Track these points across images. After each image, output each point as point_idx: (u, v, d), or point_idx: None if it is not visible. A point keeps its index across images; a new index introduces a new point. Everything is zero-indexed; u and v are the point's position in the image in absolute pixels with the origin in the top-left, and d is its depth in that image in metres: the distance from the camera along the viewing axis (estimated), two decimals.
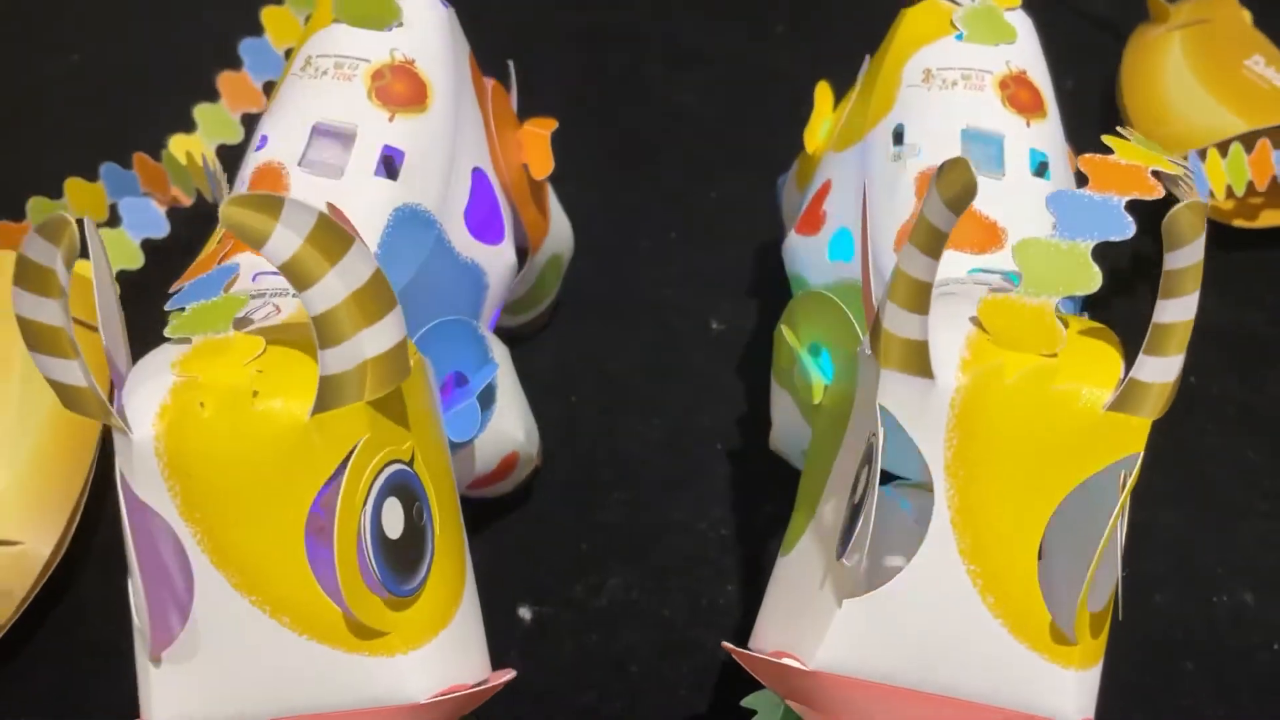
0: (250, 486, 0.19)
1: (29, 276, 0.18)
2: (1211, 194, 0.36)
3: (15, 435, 0.30)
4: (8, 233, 0.35)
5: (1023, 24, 0.29)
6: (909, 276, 0.20)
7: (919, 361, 0.20)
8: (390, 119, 0.26)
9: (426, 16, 0.27)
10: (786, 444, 0.31)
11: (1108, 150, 0.21)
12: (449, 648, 0.22)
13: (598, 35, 0.46)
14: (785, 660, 0.22)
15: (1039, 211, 0.24)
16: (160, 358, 0.21)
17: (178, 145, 0.35)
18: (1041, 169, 0.27)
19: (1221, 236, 0.39)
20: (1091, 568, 0.20)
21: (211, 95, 0.36)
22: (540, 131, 0.31)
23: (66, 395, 0.20)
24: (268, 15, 0.35)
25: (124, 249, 0.34)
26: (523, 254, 0.32)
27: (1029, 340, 0.20)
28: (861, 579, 0.21)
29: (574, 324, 0.37)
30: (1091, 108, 0.43)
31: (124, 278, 0.34)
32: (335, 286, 0.19)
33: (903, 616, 0.21)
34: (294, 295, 0.21)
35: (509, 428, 0.29)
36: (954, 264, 0.25)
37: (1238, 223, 0.38)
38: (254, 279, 0.24)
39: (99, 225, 0.35)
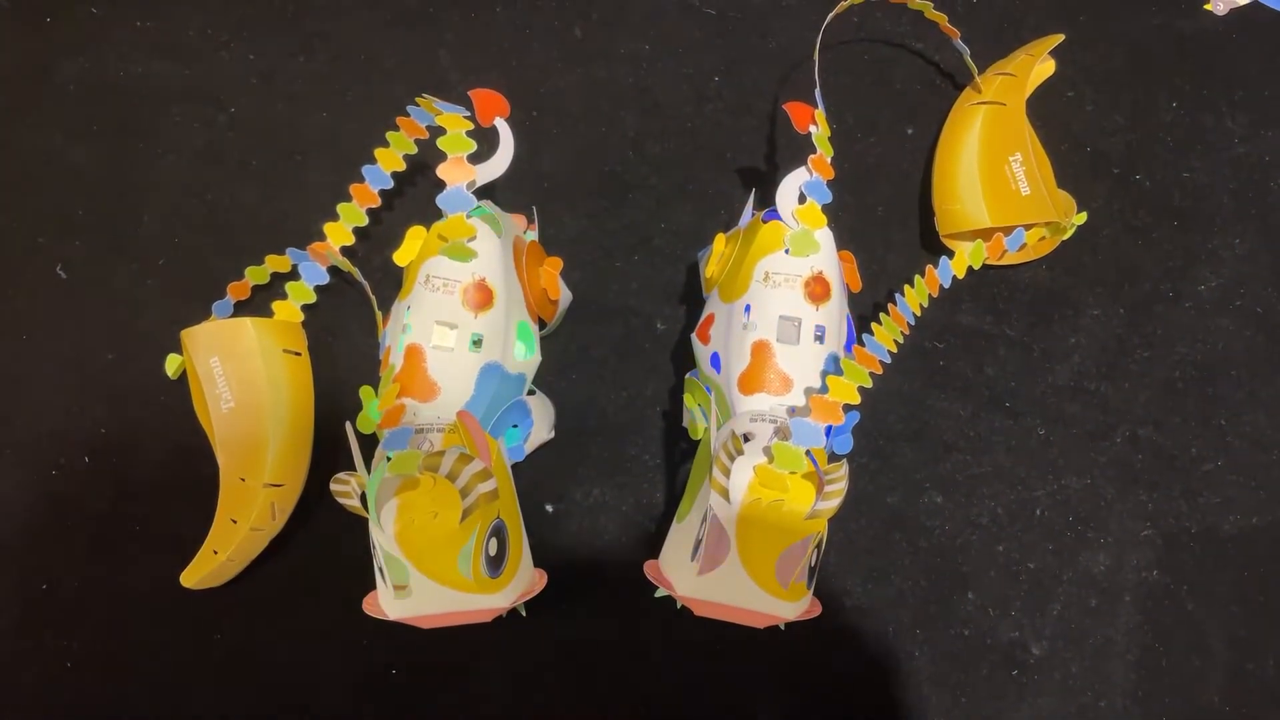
0: (434, 550, 0.45)
1: (339, 481, 0.43)
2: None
3: (272, 428, 0.55)
4: (235, 288, 0.58)
5: (825, 237, 0.50)
6: (721, 461, 0.45)
7: (726, 494, 0.45)
8: (475, 316, 0.49)
9: (490, 248, 0.49)
10: (691, 429, 0.56)
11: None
12: (516, 581, 0.49)
13: (590, 86, 0.64)
14: (671, 588, 0.49)
15: (814, 369, 0.49)
16: (389, 488, 0.46)
17: (330, 229, 0.56)
18: (819, 338, 0.50)
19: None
20: (798, 569, 0.47)
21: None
22: (552, 271, 0.53)
23: (352, 509, 0.45)
24: (380, 153, 0.54)
25: (303, 292, 0.57)
26: (541, 322, 0.56)
27: (775, 487, 0.45)
28: (699, 570, 0.48)
29: (573, 322, 0.60)
30: (920, 154, 0.63)
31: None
32: (467, 474, 0.44)
33: (719, 583, 0.48)
34: (439, 431, 0.46)
35: (539, 435, 0.54)
36: (762, 401, 0.49)
37: (990, 261, 0.60)
38: (414, 414, 0.48)
39: (285, 278, 0.58)
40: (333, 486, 0.44)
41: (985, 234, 0.57)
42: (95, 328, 0.60)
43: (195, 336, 0.55)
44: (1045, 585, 0.57)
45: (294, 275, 0.58)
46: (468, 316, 0.49)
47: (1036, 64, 0.61)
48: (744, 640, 0.56)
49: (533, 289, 0.53)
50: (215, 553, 0.54)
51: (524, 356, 0.52)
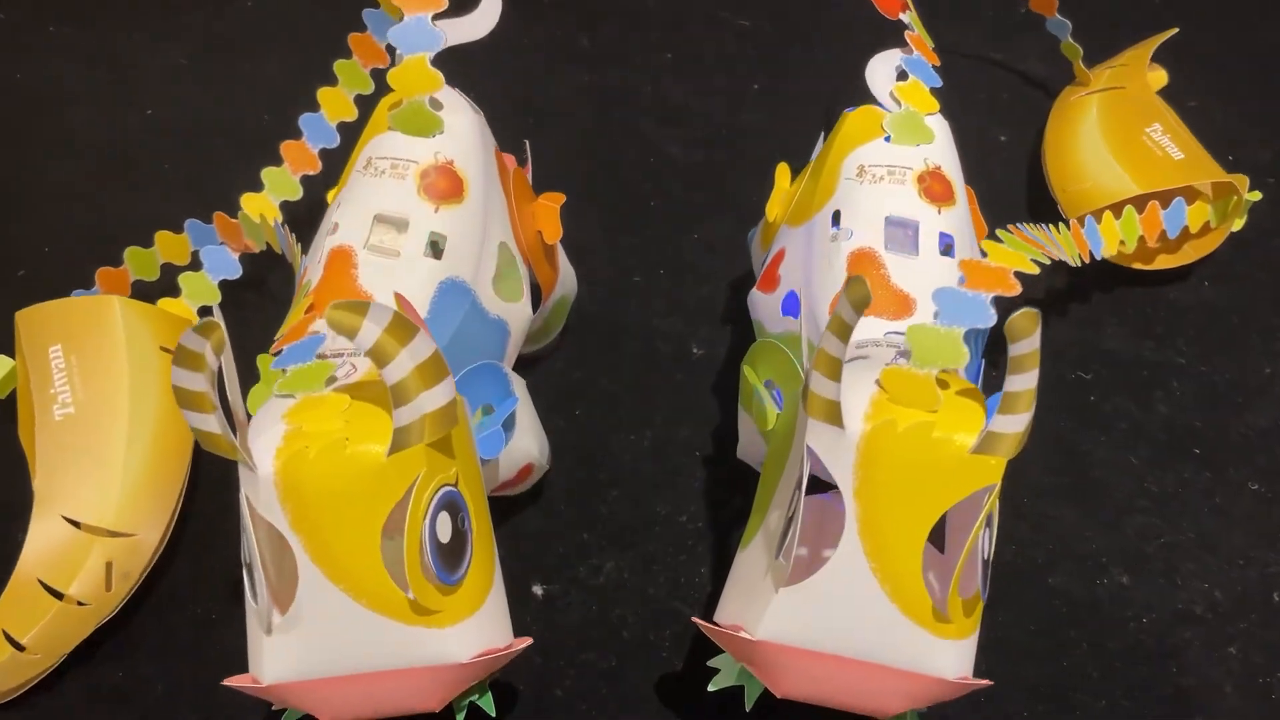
0: (342, 508, 0.26)
1: (185, 358, 0.25)
2: (1105, 248, 0.42)
3: (127, 449, 0.37)
4: (108, 277, 0.42)
5: (940, 126, 0.36)
6: (827, 354, 0.27)
7: (833, 415, 0.27)
8: (435, 210, 0.33)
9: (462, 123, 0.34)
10: (749, 456, 0.38)
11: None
12: (484, 621, 0.29)
13: (601, 94, 0.53)
14: (737, 633, 0.29)
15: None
16: (274, 410, 0.27)
17: (249, 202, 0.41)
18: (948, 249, 0.34)
19: (1123, 275, 0.46)
20: (959, 565, 0.27)
21: (273, 156, 0.43)
22: (551, 205, 0.38)
23: (206, 440, 0.26)
24: (323, 94, 0.41)
25: (204, 288, 0.41)
26: (536, 297, 0.39)
27: (916, 400, 0.27)
28: (789, 572, 0.28)
29: (578, 347, 0.44)
30: (1020, 159, 0.50)
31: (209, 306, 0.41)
32: (405, 362, 0.26)
33: (823, 600, 0.28)
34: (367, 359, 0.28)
35: (526, 445, 0.36)
36: (873, 328, 0.32)
37: (1136, 265, 0.45)
38: (335, 339, 0.31)
39: (183, 269, 0.42)
40: (174, 379, 0.26)
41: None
42: None
43: (35, 317, 0.38)
44: None
45: (194, 265, 0.42)
46: (425, 209, 0.33)
47: (1149, 59, 0.49)
48: None
49: (525, 229, 0.37)
50: (7, 638, 0.34)
51: (508, 298, 0.35)
